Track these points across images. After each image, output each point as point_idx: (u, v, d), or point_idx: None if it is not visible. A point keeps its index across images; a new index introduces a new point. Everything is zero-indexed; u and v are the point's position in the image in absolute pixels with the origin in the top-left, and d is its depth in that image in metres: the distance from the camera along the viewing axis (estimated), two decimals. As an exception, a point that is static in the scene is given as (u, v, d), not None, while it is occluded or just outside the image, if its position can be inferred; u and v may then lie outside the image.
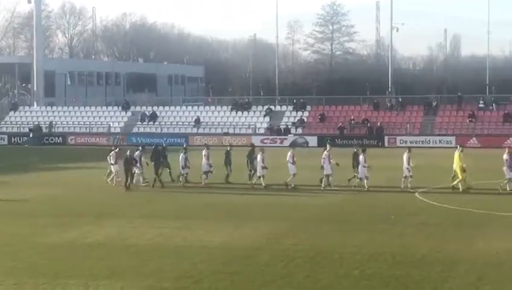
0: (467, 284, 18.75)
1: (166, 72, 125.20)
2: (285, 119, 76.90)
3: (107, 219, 28.80)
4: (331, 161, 37.39)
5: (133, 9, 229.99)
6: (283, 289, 18.59)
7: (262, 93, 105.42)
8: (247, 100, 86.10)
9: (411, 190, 35.38)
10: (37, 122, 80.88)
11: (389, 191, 36.28)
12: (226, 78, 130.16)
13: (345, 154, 39.39)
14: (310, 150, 58.65)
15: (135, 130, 78.73)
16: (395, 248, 22.73)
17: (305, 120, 76.01)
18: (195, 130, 76.60)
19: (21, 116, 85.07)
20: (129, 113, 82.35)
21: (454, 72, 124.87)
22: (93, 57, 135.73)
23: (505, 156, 35.35)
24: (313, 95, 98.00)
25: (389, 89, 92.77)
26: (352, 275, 19.65)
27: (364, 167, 36.49)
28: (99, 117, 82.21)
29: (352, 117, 74.19)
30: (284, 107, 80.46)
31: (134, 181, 38.22)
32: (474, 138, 66.25)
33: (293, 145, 57.52)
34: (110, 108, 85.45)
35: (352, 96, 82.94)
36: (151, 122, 79.38)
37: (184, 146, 43.20)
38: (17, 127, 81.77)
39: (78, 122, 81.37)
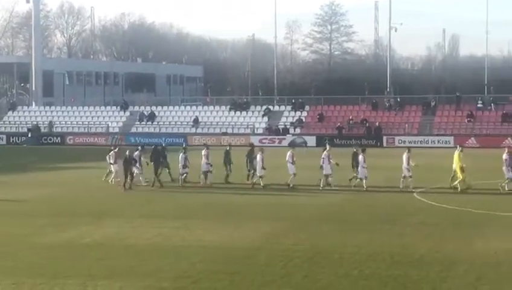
0: (466, 284, 18.75)
1: (164, 72, 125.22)
2: (283, 119, 76.90)
3: (105, 219, 28.79)
4: (330, 161, 37.38)
5: (132, 9, 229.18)
6: (282, 289, 18.58)
7: (260, 93, 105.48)
8: (245, 100, 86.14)
9: (413, 190, 35.34)
10: (35, 122, 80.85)
11: (387, 191, 36.28)
12: (225, 78, 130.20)
13: (345, 154, 39.41)
14: (309, 150, 58.63)
15: (133, 130, 78.71)
16: (393, 248, 22.73)
17: (304, 120, 76.00)
18: (193, 130, 76.60)
19: (19, 116, 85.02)
20: (127, 113, 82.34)
21: (453, 72, 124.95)
22: (91, 56, 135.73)
23: (505, 156, 35.35)
24: (311, 95, 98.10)
25: (388, 89, 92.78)
26: (351, 275, 19.65)
27: (363, 167, 36.49)
28: (98, 117, 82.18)
29: (350, 117, 74.18)
30: (282, 107, 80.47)
31: (134, 181, 38.15)
32: (472, 138, 66.25)
33: (292, 145, 57.50)
34: (108, 108, 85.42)
35: (350, 96, 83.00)
36: (150, 122, 79.35)
37: (183, 146, 43.21)
38: (16, 127, 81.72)
39: (77, 122, 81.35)
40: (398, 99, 79.27)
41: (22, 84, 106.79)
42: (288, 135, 72.60)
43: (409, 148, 38.45)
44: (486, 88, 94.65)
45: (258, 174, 37.96)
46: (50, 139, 76.78)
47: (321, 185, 37.05)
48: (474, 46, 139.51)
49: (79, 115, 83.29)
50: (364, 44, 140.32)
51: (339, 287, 18.63)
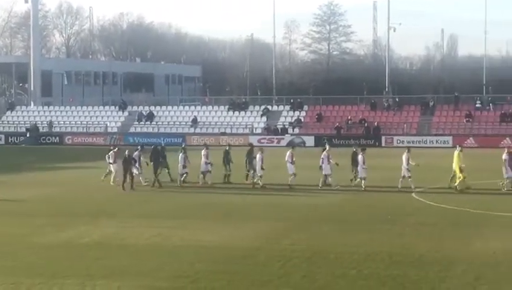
0: (465, 284, 18.75)
1: (163, 72, 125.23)
2: (282, 119, 76.92)
3: (104, 219, 28.78)
4: (330, 161, 37.37)
5: (130, 9, 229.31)
6: (280, 288, 18.57)
7: (259, 93, 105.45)
8: (244, 100, 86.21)
9: (415, 190, 35.33)
10: (34, 122, 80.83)
11: (386, 191, 36.27)
12: (223, 78, 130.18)
13: (344, 154, 39.41)
14: (308, 150, 58.56)
15: (132, 130, 78.72)
16: (392, 248, 22.72)
17: (302, 120, 76.02)
18: (192, 130, 76.59)
19: (18, 116, 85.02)
20: (126, 113, 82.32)
21: (451, 72, 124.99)
22: (90, 56, 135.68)
23: (504, 156, 35.34)
24: (310, 95, 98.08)
25: (386, 89, 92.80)
26: (349, 275, 19.64)
27: (363, 167, 36.47)
28: (96, 117, 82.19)
29: (349, 117, 74.20)
30: (281, 107, 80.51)
31: (134, 182, 38.04)
32: (471, 138, 66.27)
33: (290, 145, 57.48)
34: (107, 108, 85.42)
35: (349, 96, 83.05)
36: (148, 122, 79.35)
37: (183, 146, 43.19)
38: (14, 127, 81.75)
39: (75, 122, 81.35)
40: (397, 99, 79.35)
41: (21, 84, 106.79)
42: (286, 135, 72.61)
43: (408, 148, 38.32)
44: (484, 88, 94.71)
45: (257, 174, 37.96)
46: (48, 139, 76.77)
47: (320, 185, 37.07)
48: (473, 46, 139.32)
49: (77, 114, 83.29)
50: (363, 44, 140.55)
51: (337, 287, 18.63)
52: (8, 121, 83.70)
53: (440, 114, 74.37)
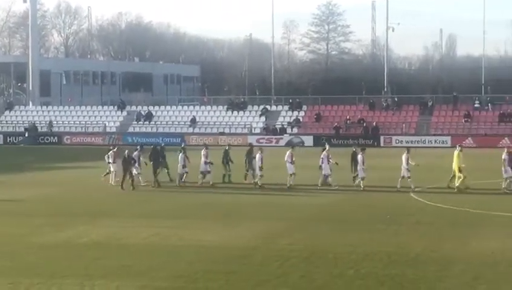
0: (463, 284, 18.77)
1: (162, 72, 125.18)
2: (280, 119, 76.93)
3: (102, 219, 28.78)
4: (330, 160, 37.38)
5: (129, 9, 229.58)
6: (278, 288, 18.58)
7: (258, 93, 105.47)
8: (243, 100, 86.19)
9: (415, 189, 35.34)
10: (32, 122, 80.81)
11: (384, 191, 36.28)
12: (222, 77, 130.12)
13: (343, 154, 39.44)
14: (307, 150, 58.52)
15: (131, 129, 78.72)
16: (390, 248, 22.73)
17: (301, 120, 76.04)
18: (191, 130, 76.58)
19: (16, 116, 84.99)
20: (125, 113, 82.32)
21: (450, 71, 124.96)
22: (88, 56, 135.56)
23: (504, 156, 35.33)
24: (308, 95, 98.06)
25: (385, 89, 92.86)
26: (347, 274, 19.66)
27: (362, 167, 36.46)
28: (95, 117, 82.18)
29: (348, 117, 74.22)
30: (279, 107, 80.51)
31: (134, 182, 37.99)
32: (469, 138, 66.29)
33: (289, 145, 57.51)
34: (105, 107, 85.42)
35: (348, 96, 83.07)
36: (147, 122, 79.34)
37: (182, 146, 43.20)
38: (13, 127, 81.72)
39: (74, 121, 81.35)
40: (396, 99, 79.38)
41: (19, 84, 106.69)
42: (285, 135, 72.62)
43: (408, 148, 38.26)
44: (483, 88, 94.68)
45: (258, 174, 37.96)
46: (47, 139, 76.76)
47: (319, 185, 37.08)
48: (471, 46, 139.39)
49: (76, 114, 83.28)
50: (362, 44, 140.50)
51: (335, 287, 18.64)
52: (6, 121, 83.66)
53: (439, 114, 74.40)
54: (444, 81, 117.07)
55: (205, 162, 38.79)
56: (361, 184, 36.43)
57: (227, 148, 40.94)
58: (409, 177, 35.82)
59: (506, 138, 64.89)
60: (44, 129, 79.47)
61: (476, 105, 74.29)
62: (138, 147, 40.43)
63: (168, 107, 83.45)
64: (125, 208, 31.97)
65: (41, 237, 25.03)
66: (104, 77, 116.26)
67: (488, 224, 27.17)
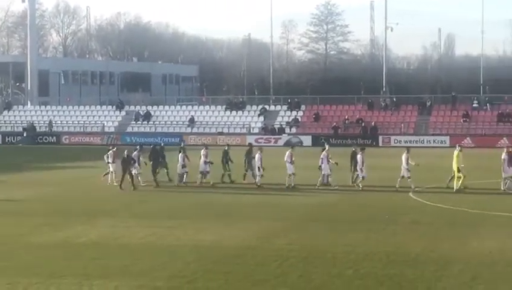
0: (461, 284, 18.76)
1: (160, 72, 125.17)
2: (279, 119, 76.94)
3: (101, 219, 28.76)
4: (329, 160, 37.38)
5: (128, 9, 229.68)
6: (276, 288, 18.57)
7: (256, 93, 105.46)
8: (241, 100, 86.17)
9: (414, 189, 35.33)
10: (31, 122, 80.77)
11: (383, 191, 36.28)
12: (221, 77, 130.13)
13: (343, 154, 39.44)
14: (305, 150, 58.50)
15: (129, 129, 78.70)
16: (389, 247, 22.73)
17: (300, 120, 76.04)
18: (189, 130, 76.57)
19: (15, 116, 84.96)
20: (123, 113, 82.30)
21: (449, 71, 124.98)
22: (87, 56, 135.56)
23: (503, 156, 35.31)
24: (307, 95, 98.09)
25: (384, 89, 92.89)
26: (346, 274, 19.65)
27: (360, 168, 36.42)
28: (93, 116, 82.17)
29: (346, 117, 74.24)
30: (278, 107, 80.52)
31: (135, 182, 37.92)
32: (468, 138, 66.29)
33: (287, 145, 57.51)
34: (104, 107, 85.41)
35: (346, 95, 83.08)
36: (146, 122, 79.33)
37: (182, 145, 43.18)
38: (11, 127, 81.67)
39: (72, 121, 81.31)
40: (394, 99, 79.40)
41: (18, 84, 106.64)
42: (284, 135, 72.62)
43: (408, 148, 38.18)
44: (481, 88, 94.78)
45: (258, 174, 37.94)
46: (45, 139, 76.75)
47: (318, 184, 37.08)
48: (470, 45, 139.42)
49: (74, 114, 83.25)
50: (360, 44, 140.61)
51: (334, 287, 18.63)
52: (5, 121, 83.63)
53: (437, 114, 74.42)
54: (443, 81, 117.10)
55: (205, 162, 38.77)
56: (359, 184, 36.42)
57: (226, 148, 40.93)
58: (409, 177, 35.79)
59: (504, 138, 64.85)
60: (43, 129, 79.46)
61: (474, 105, 74.33)
62: (138, 147, 40.45)
63: (167, 107, 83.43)
64: (123, 208, 31.95)
65: (40, 237, 25.01)
66: (102, 76, 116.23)
67: (486, 224, 27.17)
